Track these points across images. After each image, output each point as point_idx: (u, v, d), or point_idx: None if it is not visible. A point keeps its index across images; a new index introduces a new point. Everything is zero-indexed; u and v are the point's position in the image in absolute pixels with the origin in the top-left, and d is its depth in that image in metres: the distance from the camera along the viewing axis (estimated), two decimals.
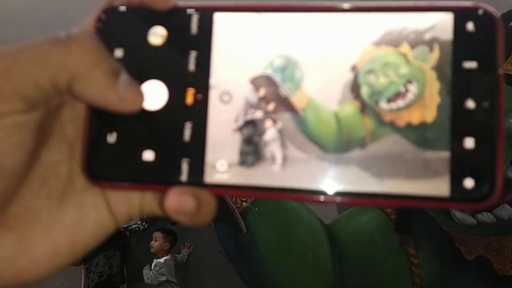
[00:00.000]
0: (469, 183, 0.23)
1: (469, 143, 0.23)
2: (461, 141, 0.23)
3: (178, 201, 0.24)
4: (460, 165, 0.23)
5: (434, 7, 0.24)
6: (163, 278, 2.43)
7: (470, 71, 0.23)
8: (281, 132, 0.25)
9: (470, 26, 0.23)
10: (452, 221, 1.14)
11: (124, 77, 0.24)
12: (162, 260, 2.54)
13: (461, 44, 0.23)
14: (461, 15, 0.24)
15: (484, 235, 1.14)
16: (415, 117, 0.24)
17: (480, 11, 0.23)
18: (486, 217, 1.12)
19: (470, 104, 0.23)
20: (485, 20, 0.23)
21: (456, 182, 0.23)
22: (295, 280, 1.21)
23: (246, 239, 1.16)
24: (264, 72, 0.25)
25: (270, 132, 0.25)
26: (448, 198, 0.23)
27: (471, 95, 0.23)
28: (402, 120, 0.24)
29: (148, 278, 2.47)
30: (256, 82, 0.25)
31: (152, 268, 2.49)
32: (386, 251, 1.25)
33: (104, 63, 0.23)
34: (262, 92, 0.25)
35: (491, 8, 0.23)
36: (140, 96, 0.24)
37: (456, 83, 0.23)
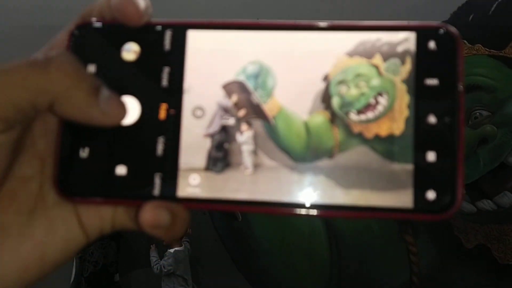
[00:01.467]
0: (431, 195, 0.24)
1: (431, 156, 0.24)
2: (423, 155, 0.24)
3: (153, 216, 0.24)
4: (422, 178, 0.24)
5: (398, 27, 0.25)
6: (166, 270, 2.30)
7: (432, 87, 0.24)
8: (253, 137, 0.25)
9: (432, 44, 0.24)
10: None
11: (105, 92, 0.24)
12: (172, 250, 2.41)
13: (424, 62, 0.24)
14: (423, 34, 0.25)
15: (484, 223, 1.12)
16: (383, 129, 0.24)
17: (441, 31, 0.24)
18: (486, 204, 1.10)
19: (432, 119, 0.24)
20: (446, 39, 0.24)
21: (419, 194, 0.24)
22: (291, 269, 1.20)
23: (242, 228, 1.14)
24: (237, 78, 0.26)
25: (246, 135, 0.25)
26: (411, 209, 0.24)
27: (433, 111, 0.24)
28: (370, 131, 0.25)
29: (157, 268, 2.30)
30: (228, 88, 0.26)
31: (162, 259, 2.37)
32: (384, 240, 1.24)
33: (83, 82, 0.23)
34: (235, 98, 0.26)
35: (452, 28, 0.24)
36: (122, 108, 0.25)
37: (419, 99, 0.24)
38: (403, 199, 0.24)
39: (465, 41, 1.26)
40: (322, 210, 0.24)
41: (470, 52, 1.23)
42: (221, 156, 0.25)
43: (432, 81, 0.24)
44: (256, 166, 0.25)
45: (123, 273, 1.99)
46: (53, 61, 0.23)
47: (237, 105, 0.26)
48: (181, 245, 2.34)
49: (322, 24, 0.25)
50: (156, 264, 2.27)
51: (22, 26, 1.31)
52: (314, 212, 0.24)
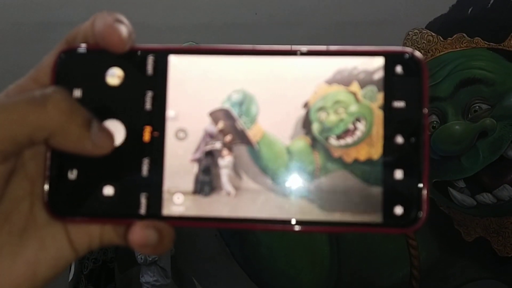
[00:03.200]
0: (399, 210, 0.25)
1: (399, 174, 0.25)
2: (392, 173, 0.25)
3: (142, 236, 0.25)
4: (391, 194, 0.25)
5: (367, 52, 0.26)
6: (151, 258, 2.33)
7: (399, 109, 0.26)
8: (236, 162, 0.27)
9: (398, 69, 0.26)
10: (452, 203, 1.12)
11: (95, 124, 0.25)
12: None
13: (391, 85, 0.26)
14: (391, 59, 0.26)
15: (484, 216, 1.13)
16: (362, 153, 0.26)
17: (407, 55, 0.26)
18: (486, 198, 1.10)
19: (399, 139, 0.26)
20: (411, 64, 0.26)
21: (387, 210, 0.25)
22: (290, 263, 1.20)
23: None
24: (223, 106, 0.27)
25: (227, 159, 0.27)
26: (380, 224, 0.25)
27: (400, 132, 0.26)
28: (350, 156, 0.26)
29: (141, 258, 2.36)
30: (215, 115, 0.27)
31: None
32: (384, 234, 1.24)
33: (78, 117, 0.24)
34: (221, 124, 0.27)
35: (417, 53, 0.26)
36: (111, 139, 0.26)
37: (388, 121, 0.26)
38: (374, 214, 0.25)
39: (464, 34, 1.26)
40: (301, 226, 0.26)
41: (469, 45, 1.23)
42: (208, 180, 0.27)
43: (399, 104, 0.26)
44: (241, 188, 0.26)
45: (121, 269, 1.99)
46: (50, 99, 0.24)
47: (223, 131, 0.27)
48: None
49: (294, 48, 0.27)
50: (139, 254, 2.29)
51: (18, 23, 1.30)
52: (292, 228, 0.26)
